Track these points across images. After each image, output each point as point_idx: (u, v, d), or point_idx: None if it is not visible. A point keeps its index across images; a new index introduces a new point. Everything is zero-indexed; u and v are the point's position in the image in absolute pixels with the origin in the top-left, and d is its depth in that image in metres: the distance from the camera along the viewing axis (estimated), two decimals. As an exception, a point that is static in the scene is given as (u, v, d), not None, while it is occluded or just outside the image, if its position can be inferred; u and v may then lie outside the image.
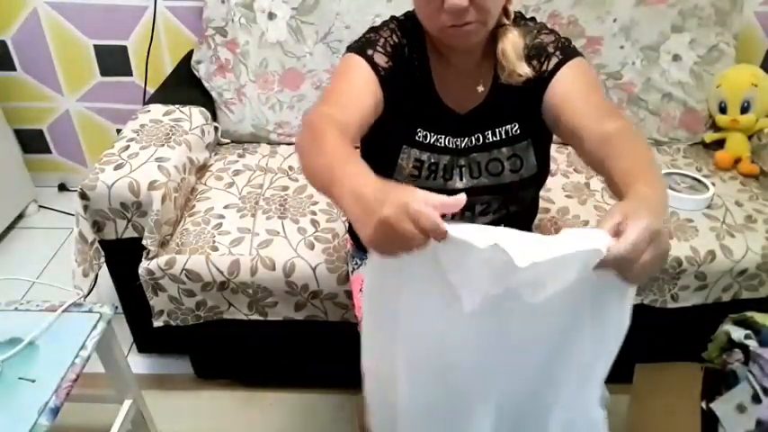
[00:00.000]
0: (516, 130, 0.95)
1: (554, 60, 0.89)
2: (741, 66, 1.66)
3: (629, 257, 0.56)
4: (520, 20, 0.95)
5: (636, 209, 0.58)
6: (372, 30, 0.95)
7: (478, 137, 0.96)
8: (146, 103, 1.61)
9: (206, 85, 1.67)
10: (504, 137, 0.96)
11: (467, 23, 0.81)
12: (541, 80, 0.90)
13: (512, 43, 0.89)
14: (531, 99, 0.91)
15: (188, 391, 1.52)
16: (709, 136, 1.68)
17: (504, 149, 0.96)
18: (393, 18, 0.96)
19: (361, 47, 0.91)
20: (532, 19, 0.96)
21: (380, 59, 0.89)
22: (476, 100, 0.95)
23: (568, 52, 0.90)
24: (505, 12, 0.90)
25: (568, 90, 0.87)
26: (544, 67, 0.90)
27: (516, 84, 0.91)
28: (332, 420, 1.45)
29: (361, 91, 0.87)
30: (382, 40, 0.91)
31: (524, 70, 0.89)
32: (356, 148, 0.82)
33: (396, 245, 0.58)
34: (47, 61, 2.01)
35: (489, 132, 0.96)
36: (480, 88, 0.95)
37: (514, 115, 0.95)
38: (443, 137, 0.95)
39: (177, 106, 1.56)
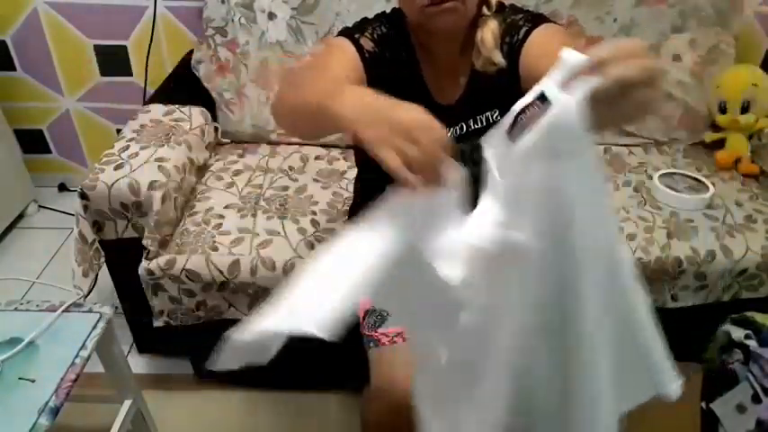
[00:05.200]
0: (497, 117, 0.97)
1: (523, 30, 0.90)
2: (741, 66, 1.66)
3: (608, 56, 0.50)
4: (502, 8, 0.96)
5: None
6: (363, 20, 0.98)
7: (462, 126, 0.98)
8: (146, 103, 1.62)
9: (206, 85, 1.67)
10: (485, 124, 0.98)
11: (445, 0, 0.82)
12: (513, 51, 0.91)
13: (491, 31, 0.91)
14: (509, 78, 0.92)
15: (188, 391, 1.52)
16: (709, 136, 1.68)
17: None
18: (383, 12, 0.99)
19: (348, 31, 0.94)
20: (511, 6, 0.98)
21: (366, 43, 0.92)
22: (458, 91, 0.97)
23: (537, 20, 0.92)
24: (487, 2, 0.91)
25: (541, 47, 0.88)
26: (515, 39, 0.91)
27: (491, 72, 0.92)
28: (332, 420, 1.45)
29: (342, 64, 0.89)
30: (370, 28, 0.94)
31: (498, 59, 0.91)
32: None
33: (397, 149, 0.56)
34: (47, 61, 2.01)
35: (471, 121, 0.97)
36: (463, 79, 0.97)
37: (494, 103, 0.97)
38: None
39: (177, 106, 1.56)
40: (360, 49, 0.91)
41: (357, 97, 0.63)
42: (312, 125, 0.76)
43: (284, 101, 0.83)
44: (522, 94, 0.92)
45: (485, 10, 0.92)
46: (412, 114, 0.57)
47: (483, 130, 0.97)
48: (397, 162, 0.56)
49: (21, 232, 2.09)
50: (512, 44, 0.91)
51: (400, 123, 0.57)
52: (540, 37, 0.89)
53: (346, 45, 0.91)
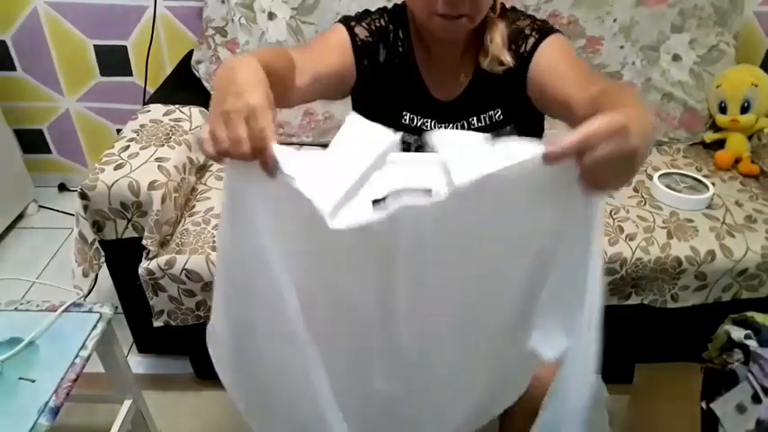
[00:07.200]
0: (499, 116, 0.98)
1: (531, 40, 0.92)
2: (741, 66, 1.66)
3: (581, 145, 0.51)
4: (505, 11, 0.97)
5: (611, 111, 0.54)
6: (365, 11, 1.00)
7: (463, 123, 0.99)
8: (146, 103, 1.61)
9: (206, 85, 1.67)
10: (487, 122, 0.98)
11: (459, 16, 0.84)
12: (522, 60, 0.92)
13: (499, 32, 0.93)
14: (514, 82, 0.93)
15: (188, 391, 1.52)
16: (709, 136, 1.68)
17: (488, 135, 0.99)
18: (384, 7, 1.01)
19: (346, 19, 0.97)
20: (513, 9, 0.99)
21: (360, 32, 0.95)
22: (459, 88, 0.98)
23: (545, 30, 0.93)
24: (492, 6, 0.92)
25: (551, 64, 0.90)
26: (522, 49, 0.92)
27: (497, 72, 0.93)
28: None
29: (330, 48, 0.92)
30: (369, 19, 0.97)
31: (507, 59, 0.92)
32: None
33: (223, 144, 0.56)
34: (47, 61, 2.01)
35: (474, 119, 0.98)
36: (464, 77, 0.98)
37: (497, 102, 0.98)
38: (429, 120, 0.99)
39: (177, 106, 1.56)
40: (353, 36, 0.94)
41: (233, 68, 0.61)
42: None
43: None
44: (527, 101, 0.93)
45: (490, 12, 0.93)
46: (252, 99, 0.56)
47: (484, 129, 0.98)
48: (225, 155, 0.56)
49: (21, 232, 2.09)
50: (520, 53, 0.92)
51: (238, 106, 0.56)
52: (548, 51, 0.91)
53: (340, 30, 0.94)
